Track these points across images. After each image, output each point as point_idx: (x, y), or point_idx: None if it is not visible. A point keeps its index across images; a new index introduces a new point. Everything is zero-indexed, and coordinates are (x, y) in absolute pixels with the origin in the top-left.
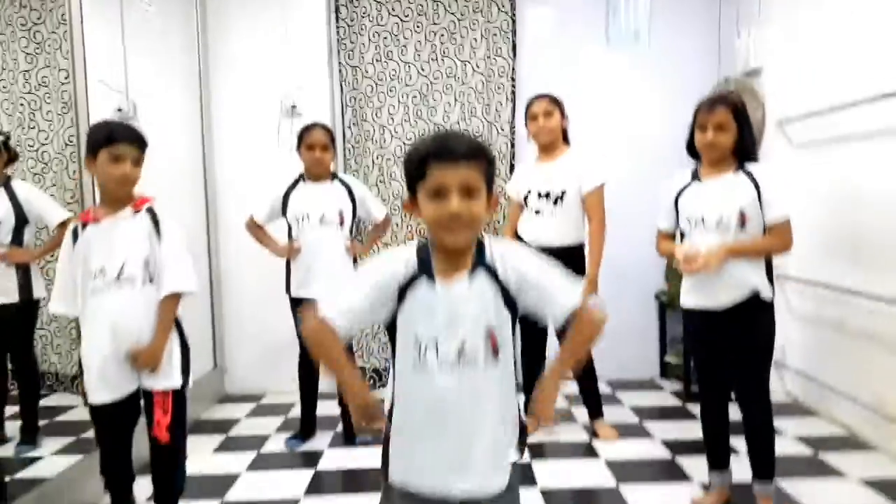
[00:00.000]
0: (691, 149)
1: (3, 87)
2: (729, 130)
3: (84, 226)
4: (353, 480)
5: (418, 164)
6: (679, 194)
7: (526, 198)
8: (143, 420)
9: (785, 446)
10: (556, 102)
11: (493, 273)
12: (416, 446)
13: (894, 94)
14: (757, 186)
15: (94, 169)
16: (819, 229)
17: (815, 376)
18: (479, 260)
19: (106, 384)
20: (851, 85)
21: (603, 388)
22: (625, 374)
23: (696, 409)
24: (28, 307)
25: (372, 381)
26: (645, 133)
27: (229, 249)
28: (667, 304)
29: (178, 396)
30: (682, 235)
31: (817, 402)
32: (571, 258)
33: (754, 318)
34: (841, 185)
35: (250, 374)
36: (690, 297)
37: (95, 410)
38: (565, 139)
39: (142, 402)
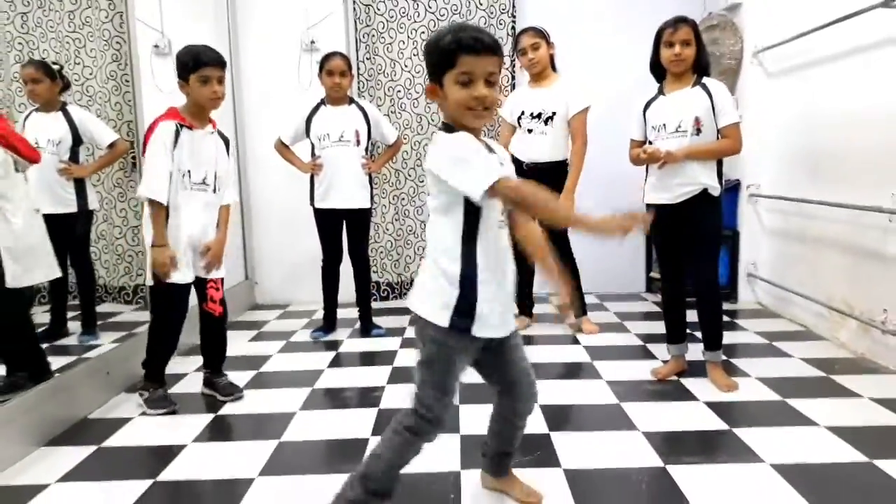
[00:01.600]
0: (655, 68)
1: (51, 27)
2: (692, 45)
3: (182, 127)
4: (367, 358)
5: (448, 55)
6: (646, 107)
7: (519, 118)
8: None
9: (745, 338)
10: (541, 34)
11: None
12: (483, 294)
13: (853, 14)
14: (711, 97)
15: (186, 90)
16: (787, 151)
17: (781, 283)
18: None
19: (184, 267)
20: (820, 10)
21: (591, 299)
22: (612, 287)
23: None
24: (84, 216)
25: (386, 294)
26: (630, 61)
27: (257, 174)
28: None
29: (222, 282)
30: (649, 143)
31: (782, 308)
32: (557, 172)
33: (704, 210)
34: (806, 108)
35: (278, 286)
36: (652, 194)
37: (168, 289)
38: (554, 67)
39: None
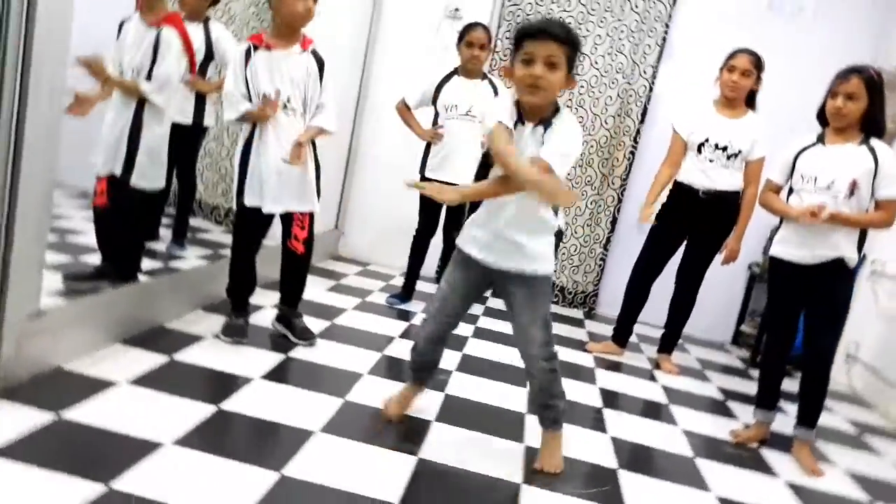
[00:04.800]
0: (821, 115)
1: None
2: (859, 100)
3: (256, 48)
4: None
5: (517, 38)
6: (800, 153)
7: (701, 145)
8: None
9: (833, 422)
10: (758, 64)
11: (546, 129)
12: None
13: None
14: (876, 160)
15: (277, 2)
16: None
17: (882, 372)
18: (547, 120)
19: (263, 193)
20: None
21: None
22: (698, 333)
23: (757, 373)
24: (197, 130)
25: None
26: (785, 109)
27: (372, 127)
28: (758, 275)
29: (312, 217)
30: (790, 192)
31: (877, 399)
32: (733, 201)
33: (836, 280)
34: None
35: (363, 243)
36: (781, 248)
37: (244, 211)
38: (751, 102)
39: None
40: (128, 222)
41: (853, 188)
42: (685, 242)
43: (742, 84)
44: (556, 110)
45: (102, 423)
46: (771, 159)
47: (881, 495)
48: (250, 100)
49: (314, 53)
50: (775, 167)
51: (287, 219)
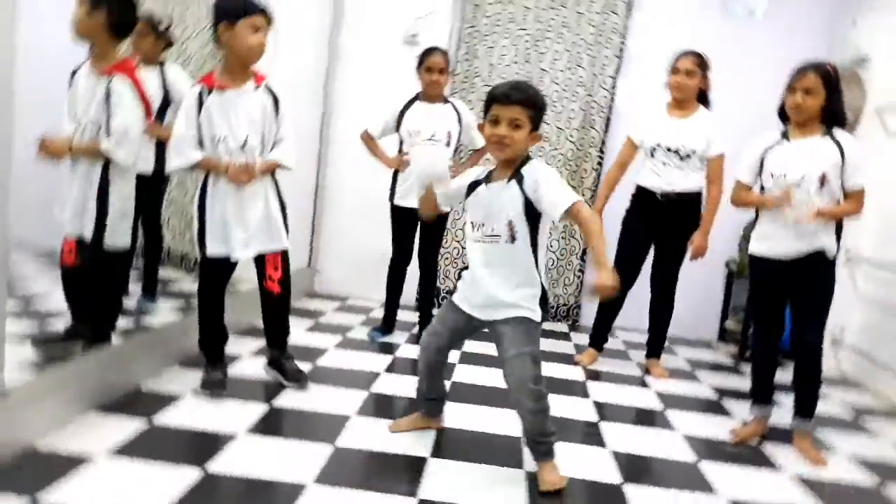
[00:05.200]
0: (782, 112)
1: None
2: (816, 95)
3: (209, 91)
4: None
5: (487, 102)
6: (766, 151)
7: (653, 150)
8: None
9: (828, 408)
10: (701, 63)
11: (521, 183)
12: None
13: None
14: (842, 152)
15: (228, 38)
16: (880, 210)
17: (869, 354)
18: (517, 174)
19: (229, 239)
20: None
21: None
22: (683, 332)
23: (747, 368)
24: (160, 178)
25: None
26: (744, 109)
27: (337, 160)
28: (735, 272)
29: (284, 256)
30: (761, 191)
31: (867, 381)
32: (694, 202)
33: (818, 271)
34: None
35: (339, 277)
36: (761, 245)
37: (209, 261)
38: (704, 101)
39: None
40: (102, 283)
41: (823, 181)
42: (653, 246)
43: (687, 84)
44: (524, 163)
45: None
46: (733, 156)
47: (889, 476)
48: (201, 144)
49: (268, 89)
50: (743, 167)
51: (260, 260)
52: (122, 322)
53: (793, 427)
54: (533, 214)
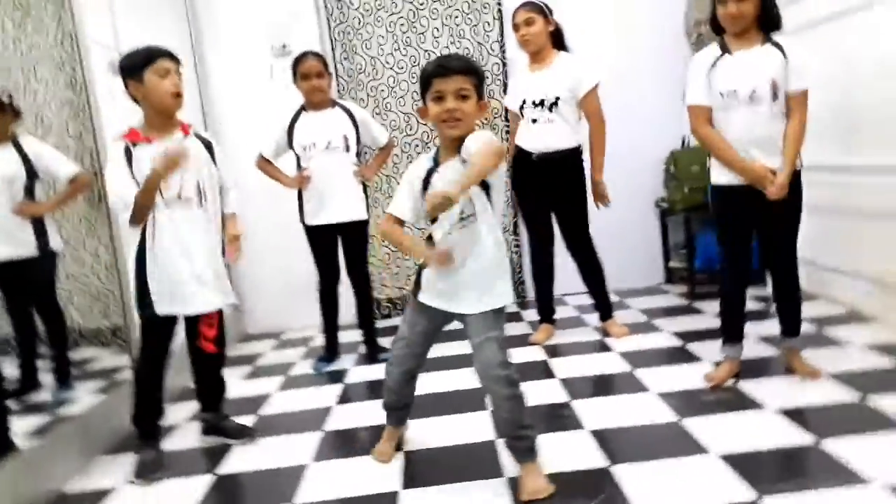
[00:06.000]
0: (715, 24)
1: None
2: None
3: (135, 145)
4: (378, 390)
5: (425, 80)
6: (711, 68)
7: (521, 108)
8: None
9: None
10: (537, 9)
11: (464, 159)
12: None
13: None
14: (784, 55)
15: (141, 92)
16: (821, 114)
17: (816, 261)
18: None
19: (172, 298)
20: None
21: (610, 296)
22: (630, 282)
23: (702, 305)
24: (46, 258)
25: (387, 311)
26: (635, 27)
27: (237, 194)
28: (668, 210)
29: (221, 315)
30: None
31: (820, 289)
32: (571, 160)
33: (788, 191)
34: (835, 64)
35: (269, 314)
36: (722, 175)
37: (153, 322)
38: (559, 45)
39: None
40: None
41: (775, 90)
42: (553, 213)
43: (531, 34)
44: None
45: None
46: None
47: (871, 388)
48: None
49: (198, 136)
50: (693, 90)
51: (192, 319)
52: (37, 420)
53: (783, 347)
54: (485, 185)
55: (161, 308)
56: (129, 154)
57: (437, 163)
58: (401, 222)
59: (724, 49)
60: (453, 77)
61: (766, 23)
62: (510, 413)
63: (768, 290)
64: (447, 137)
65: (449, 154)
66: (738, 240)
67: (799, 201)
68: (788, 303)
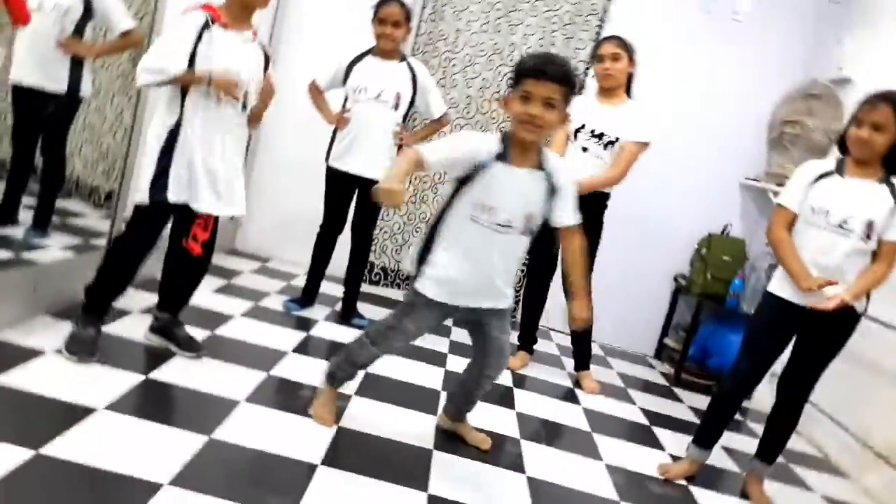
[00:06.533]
0: (842, 143)
1: None
2: (886, 132)
3: (213, 22)
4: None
5: (517, 75)
6: (816, 179)
7: (577, 131)
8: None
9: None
10: (625, 46)
11: (548, 176)
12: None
13: None
14: (895, 201)
15: None
16: None
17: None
18: (541, 163)
19: (187, 188)
20: None
21: (595, 349)
22: (619, 343)
23: (683, 393)
24: (71, 101)
25: (378, 278)
26: (713, 109)
27: (275, 110)
28: (683, 288)
29: (216, 221)
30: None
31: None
32: (599, 204)
33: (839, 327)
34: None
35: (262, 236)
36: (783, 286)
37: (155, 209)
38: (629, 89)
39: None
40: None
41: (869, 231)
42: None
43: (615, 69)
44: (541, 150)
45: None
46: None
47: None
48: None
49: (262, 45)
50: (789, 192)
51: (187, 215)
52: (2, 253)
53: (751, 469)
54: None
55: (174, 196)
56: (204, 29)
57: (505, 157)
58: (420, 161)
59: (839, 169)
60: (546, 83)
61: (892, 162)
62: (486, 389)
63: (750, 403)
64: (520, 138)
65: (518, 155)
66: (767, 351)
67: (844, 340)
68: (781, 430)
